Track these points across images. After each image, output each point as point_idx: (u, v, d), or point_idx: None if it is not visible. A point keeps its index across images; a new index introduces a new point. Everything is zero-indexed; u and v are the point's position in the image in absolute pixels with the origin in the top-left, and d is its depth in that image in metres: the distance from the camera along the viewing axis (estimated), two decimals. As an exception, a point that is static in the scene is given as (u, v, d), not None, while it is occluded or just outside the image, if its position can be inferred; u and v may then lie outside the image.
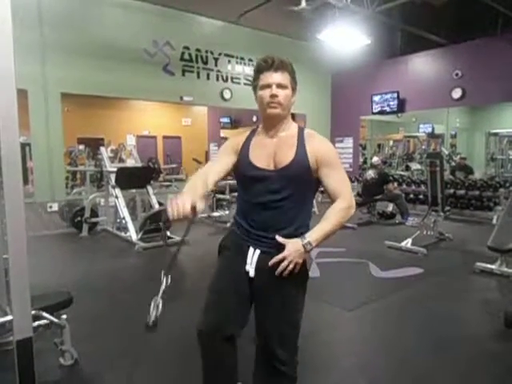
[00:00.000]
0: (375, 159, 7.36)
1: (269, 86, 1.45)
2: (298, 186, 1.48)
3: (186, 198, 1.26)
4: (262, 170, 1.47)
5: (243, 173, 1.52)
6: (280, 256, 1.40)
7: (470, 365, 2.41)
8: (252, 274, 1.49)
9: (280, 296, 1.50)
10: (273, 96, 1.44)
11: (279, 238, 1.42)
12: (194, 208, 1.25)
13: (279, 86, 1.45)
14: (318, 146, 1.49)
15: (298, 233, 1.48)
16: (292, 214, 1.47)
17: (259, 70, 1.48)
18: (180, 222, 1.25)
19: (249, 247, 1.50)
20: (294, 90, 1.52)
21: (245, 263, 1.50)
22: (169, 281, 1.36)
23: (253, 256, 1.49)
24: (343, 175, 1.52)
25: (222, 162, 1.56)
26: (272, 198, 1.45)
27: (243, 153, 1.53)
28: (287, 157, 1.46)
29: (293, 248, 1.40)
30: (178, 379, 2.25)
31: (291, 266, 1.39)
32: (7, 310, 2.09)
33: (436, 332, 2.81)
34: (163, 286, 1.37)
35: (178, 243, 1.41)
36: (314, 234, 1.42)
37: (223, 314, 1.54)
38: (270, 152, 1.49)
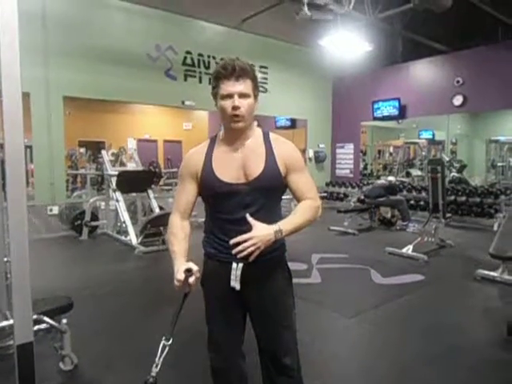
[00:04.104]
0: (391, 178, 7.67)
1: (230, 96, 1.36)
2: (270, 195, 1.45)
3: (179, 274, 1.34)
4: (232, 185, 1.40)
5: (212, 191, 1.44)
6: (246, 236, 1.30)
7: (472, 374, 2.38)
8: (238, 287, 1.44)
9: (271, 303, 1.50)
10: (235, 108, 1.36)
11: (250, 218, 1.34)
12: (189, 270, 1.35)
13: (241, 95, 1.36)
14: (286, 152, 1.46)
15: (278, 236, 1.50)
16: (268, 222, 1.39)
17: (218, 78, 1.38)
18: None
19: (231, 263, 1.44)
20: (256, 96, 1.43)
21: (229, 280, 1.45)
22: (169, 342, 1.30)
23: (236, 270, 1.44)
24: (309, 178, 1.50)
25: (189, 191, 1.50)
26: (247, 213, 1.37)
27: (207, 170, 1.44)
28: (258, 167, 1.41)
29: (263, 231, 1.32)
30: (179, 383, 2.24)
31: (252, 249, 1.29)
32: (7, 314, 2.08)
33: (437, 339, 2.80)
34: (160, 354, 1.26)
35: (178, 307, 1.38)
36: (286, 225, 1.36)
37: (230, 346, 1.57)
38: (239, 164, 1.42)
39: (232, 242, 1.32)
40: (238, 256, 1.30)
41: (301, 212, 1.43)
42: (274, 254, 1.50)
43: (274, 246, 1.48)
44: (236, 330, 1.56)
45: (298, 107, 9.60)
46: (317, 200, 1.47)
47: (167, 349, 1.28)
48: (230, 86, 1.36)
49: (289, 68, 9.13)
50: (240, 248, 1.29)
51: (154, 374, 1.23)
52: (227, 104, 1.37)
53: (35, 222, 6.03)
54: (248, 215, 1.34)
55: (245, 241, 1.30)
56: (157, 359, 1.25)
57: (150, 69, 7.20)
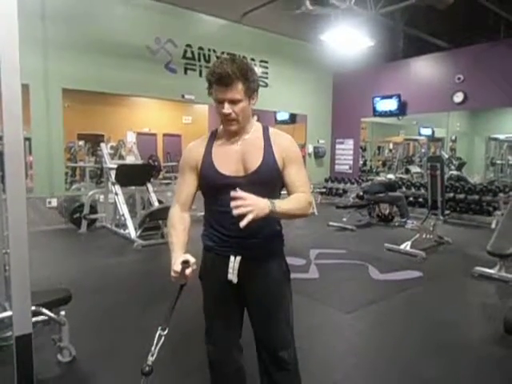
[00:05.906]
0: (390, 176, 7.71)
1: (221, 101, 1.38)
2: (268, 188, 1.44)
3: (176, 266, 1.34)
4: (231, 178, 1.42)
5: (211, 183, 1.46)
6: (244, 194, 1.25)
7: (469, 370, 2.40)
8: (235, 280, 1.45)
9: (268, 296, 1.51)
10: (226, 115, 1.38)
11: (239, 192, 1.26)
12: (186, 261, 1.34)
13: (231, 101, 1.37)
14: (284, 145, 1.47)
15: (276, 230, 1.52)
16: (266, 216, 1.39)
17: (209, 82, 1.39)
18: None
19: (229, 256, 1.46)
20: (251, 97, 1.42)
21: (227, 273, 1.45)
22: (165, 332, 1.32)
23: (234, 263, 1.45)
24: (305, 173, 1.51)
25: (189, 183, 1.51)
26: None
27: (206, 163, 1.46)
28: (256, 160, 1.43)
29: (257, 199, 1.27)
30: (178, 376, 2.25)
31: (248, 209, 1.22)
32: (6, 305, 2.09)
33: (435, 336, 2.81)
34: (156, 343, 1.29)
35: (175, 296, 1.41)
36: (280, 204, 1.34)
37: (227, 339, 1.58)
38: (238, 158, 1.44)
39: (234, 193, 1.25)
40: (235, 212, 1.22)
41: (296, 200, 1.43)
42: (271, 246, 1.52)
43: (271, 231, 1.49)
44: (233, 323, 1.58)
45: (298, 102, 9.57)
46: (310, 196, 1.48)
47: (163, 338, 1.30)
48: (220, 93, 1.38)
49: (289, 63, 9.09)
50: (238, 203, 1.23)
51: (150, 362, 1.26)
52: (219, 108, 1.40)
53: (34, 215, 6.03)
54: (238, 189, 1.27)
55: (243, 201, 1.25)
56: (153, 348, 1.28)
57: (149, 62, 7.15)
